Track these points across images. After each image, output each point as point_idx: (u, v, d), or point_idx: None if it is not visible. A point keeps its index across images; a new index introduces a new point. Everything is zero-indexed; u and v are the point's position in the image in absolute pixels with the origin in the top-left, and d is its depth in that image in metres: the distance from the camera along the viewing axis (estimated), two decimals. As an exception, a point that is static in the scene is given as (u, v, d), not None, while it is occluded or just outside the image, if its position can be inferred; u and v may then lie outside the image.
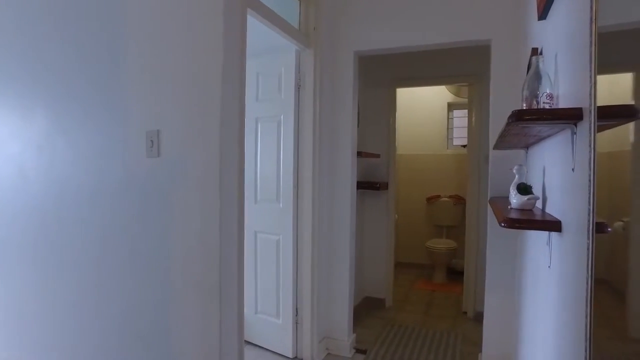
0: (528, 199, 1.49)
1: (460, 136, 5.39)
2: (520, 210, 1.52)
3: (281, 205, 2.70)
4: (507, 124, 1.12)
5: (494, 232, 2.48)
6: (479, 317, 3.45)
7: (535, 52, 1.66)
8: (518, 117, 1.06)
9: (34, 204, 2.15)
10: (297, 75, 2.67)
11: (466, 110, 5.37)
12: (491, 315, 2.50)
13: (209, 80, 1.72)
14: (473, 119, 3.63)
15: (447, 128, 5.42)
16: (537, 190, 1.58)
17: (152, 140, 1.81)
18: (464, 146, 5.31)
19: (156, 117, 1.83)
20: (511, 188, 1.58)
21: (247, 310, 2.70)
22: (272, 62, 2.77)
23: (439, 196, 5.20)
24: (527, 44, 2.07)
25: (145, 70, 1.86)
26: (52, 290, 2.12)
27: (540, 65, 1.35)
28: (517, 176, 1.61)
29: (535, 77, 1.37)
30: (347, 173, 2.83)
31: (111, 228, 1.93)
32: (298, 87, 2.68)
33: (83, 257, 2.02)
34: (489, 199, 2.46)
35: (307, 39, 2.62)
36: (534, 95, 1.37)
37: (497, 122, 2.47)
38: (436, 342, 3.03)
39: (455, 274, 4.93)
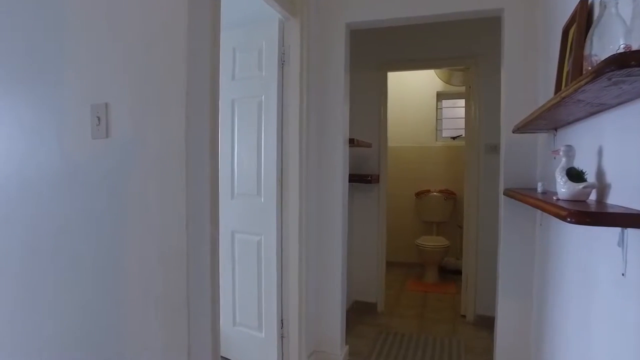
0: (584, 188, 1.17)
1: (450, 127, 5.11)
2: (572, 201, 1.20)
3: (263, 200, 2.32)
4: (598, 75, 0.78)
5: (510, 229, 2.17)
6: (480, 322, 3.16)
7: (585, 3, 1.35)
8: (621, 62, 0.72)
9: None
10: (281, 49, 2.29)
11: (457, 100, 5.11)
12: (505, 323, 2.19)
13: (172, 38, 1.33)
14: (472, 105, 3.32)
15: (436, 119, 5.12)
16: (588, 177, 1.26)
17: (98, 117, 1.41)
18: (455, 138, 5.04)
19: (104, 86, 1.42)
20: (557, 174, 1.26)
21: (224, 322, 2.32)
22: (251, 34, 2.38)
23: (428, 191, 4.91)
24: (553, 9, 1.76)
25: (90, 29, 1.45)
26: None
27: (613, 10, 1.02)
28: (564, 160, 1.29)
29: (604, 27, 1.04)
30: (338, 163, 2.47)
31: (46, 230, 1.52)
32: (282, 63, 2.30)
33: (10, 267, 1.60)
34: (502, 191, 2.15)
35: (292, 6, 2.24)
36: (601, 50, 1.04)
37: (511, 105, 2.17)
38: (437, 352, 2.71)
39: (447, 273, 4.66)
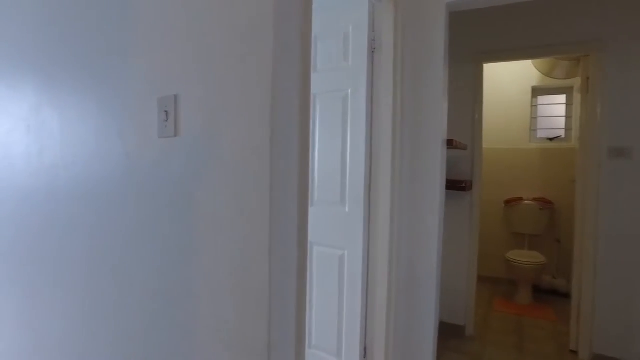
0: None
1: (546, 127, 4.50)
2: None
3: (347, 209, 2.02)
4: None
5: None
6: (598, 362, 2.64)
7: None
8: None
9: (19, 200, 1.58)
10: (371, 35, 1.98)
11: (555, 96, 4.50)
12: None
13: (253, 18, 1.06)
14: (589, 101, 2.78)
15: (531, 117, 4.54)
16: None
17: (166, 112, 1.17)
18: (552, 139, 4.44)
19: (173, 76, 1.19)
20: None
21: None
22: (335, 19, 2.08)
23: (520, 199, 4.35)
24: None
25: (159, 9, 1.22)
26: (34, 321, 1.54)
27: None
28: None
29: None
30: (435, 168, 2.10)
31: (107, 241, 1.32)
32: (372, 51, 1.98)
33: (74, 276, 1.43)
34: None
35: (386, -17, 1.92)
36: None
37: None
38: (549, 397, 2.26)
39: (542, 294, 4.09)
